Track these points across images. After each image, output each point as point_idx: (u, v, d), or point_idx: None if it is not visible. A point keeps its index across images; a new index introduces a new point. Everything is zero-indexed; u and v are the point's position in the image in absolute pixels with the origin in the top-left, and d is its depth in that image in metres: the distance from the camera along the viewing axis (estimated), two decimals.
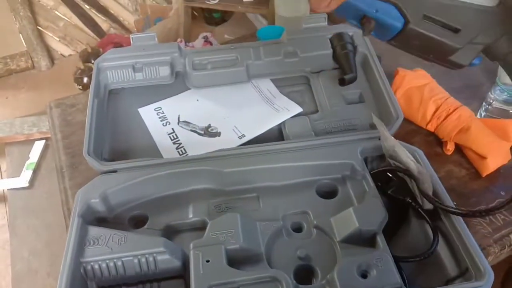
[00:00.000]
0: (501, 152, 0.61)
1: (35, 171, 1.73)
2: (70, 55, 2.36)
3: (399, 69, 0.69)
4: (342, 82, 0.64)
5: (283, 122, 0.64)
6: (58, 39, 2.33)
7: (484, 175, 0.61)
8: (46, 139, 1.83)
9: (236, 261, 0.47)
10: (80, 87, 1.97)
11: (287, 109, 0.65)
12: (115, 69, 0.67)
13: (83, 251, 0.47)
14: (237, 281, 0.44)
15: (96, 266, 0.47)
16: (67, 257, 0.46)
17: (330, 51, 0.68)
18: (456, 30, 0.31)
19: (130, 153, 0.61)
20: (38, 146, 1.79)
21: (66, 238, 0.49)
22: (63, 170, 0.64)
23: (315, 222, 0.51)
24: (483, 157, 0.60)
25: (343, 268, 0.44)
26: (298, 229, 0.52)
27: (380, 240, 0.47)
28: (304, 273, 0.48)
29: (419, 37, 0.32)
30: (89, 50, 2.08)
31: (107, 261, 0.47)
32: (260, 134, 0.63)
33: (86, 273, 0.47)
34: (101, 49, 2.09)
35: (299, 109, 0.65)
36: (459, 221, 0.47)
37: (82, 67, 2.01)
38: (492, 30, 0.33)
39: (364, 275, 0.44)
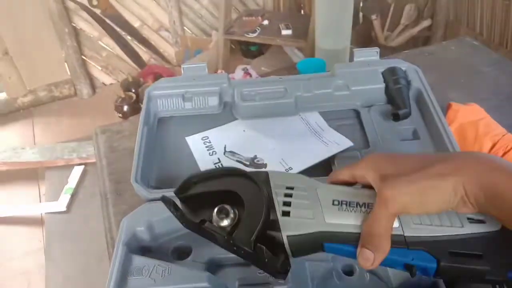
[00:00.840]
0: None
1: (73, 196, 1.76)
2: (111, 84, 2.47)
3: (452, 103, 0.67)
4: (396, 117, 0.62)
5: (333, 157, 0.62)
6: (100, 68, 2.44)
7: None
8: (85, 164, 1.88)
9: None
10: (120, 115, 2.03)
11: (337, 143, 0.63)
12: (165, 97, 0.67)
13: (126, 281, 0.46)
14: None
15: None
16: (110, 286, 0.45)
17: (382, 85, 0.66)
18: (479, 256, 0.35)
19: (176, 182, 0.59)
20: (77, 171, 1.85)
21: (102, 266, 0.47)
22: (107, 196, 0.64)
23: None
24: None
25: None
26: (349, 272, 0.48)
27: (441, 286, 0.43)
28: None
29: (454, 270, 0.35)
30: (130, 79, 2.16)
31: None
32: (308, 167, 0.61)
33: None
34: (141, 79, 2.16)
35: (349, 143, 0.63)
36: None
37: (122, 95, 2.07)
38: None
39: None
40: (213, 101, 0.68)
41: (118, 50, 2.41)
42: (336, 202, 0.39)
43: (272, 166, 0.62)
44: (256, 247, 0.37)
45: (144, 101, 0.66)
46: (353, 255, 0.37)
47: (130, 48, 2.42)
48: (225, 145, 0.65)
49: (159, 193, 0.55)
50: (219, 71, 1.35)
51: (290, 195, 0.39)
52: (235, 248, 0.39)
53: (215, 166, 0.63)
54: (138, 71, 2.38)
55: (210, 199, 0.41)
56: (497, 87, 0.80)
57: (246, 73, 1.06)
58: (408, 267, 0.36)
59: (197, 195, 0.42)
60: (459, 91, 0.79)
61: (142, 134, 0.62)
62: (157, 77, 2.06)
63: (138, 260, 0.48)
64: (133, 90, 2.09)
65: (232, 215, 0.40)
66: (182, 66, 0.70)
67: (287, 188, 0.40)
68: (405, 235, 0.36)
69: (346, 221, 0.38)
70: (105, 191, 0.66)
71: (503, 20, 1.43)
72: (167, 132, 0.67)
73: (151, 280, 0.46)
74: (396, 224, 0.36)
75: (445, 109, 0.67)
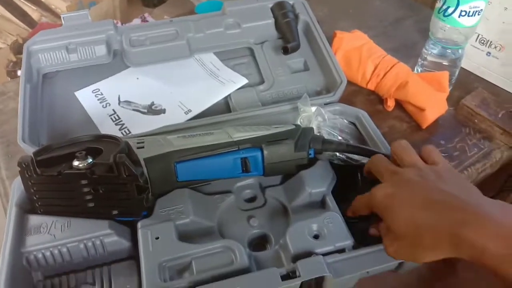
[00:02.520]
0: (438, 103, 0.63)
1: None
2: (0, 48, 2.22)
3: (337, 31, 0.70)
4: (286, 51, 0.64)
5: (230, 95, 0.63)
6: None
7: (424, 127, 0.63)
8: None
9: (188, 236, 0.46)
10: None
11: (233, 82, 0.64)
12: (47, 51, 0.63)
13: (24, 241, 0.44)
14: (189, 254, 0.43)
15: (40, 255, 0.44)
16: (6, 248, 0.43)
17: (272, 20, 0.67)
18: (286, 139, 0.49)
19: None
20: None
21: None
22: None
23: (267, 190, 0.51)
24: (422, 110, 0.62)
25: (294, 231, 0.44)
26: (251, 199, 0.51)
27: (330, 200, 0.48)
28: (259, 242, 0.48)
29: (273, 153, 0.49)
30: (20, 41, 1.96)
31: (51, 249, 0.44)
32: (207, 108, 0.62)
33: (29, 264, 0.44)
34: None
35: (244, 81, 0.64)
36: None
37: (14, 59, 1.89)
38: None
39: (316, 236, 0.44)
40: (101, 50, 0.64)
41: (2, 10, 2.15)
42: (180, 135, 0.49)
43: (171, 110, 0.62)
44: (117, 159, 0.42)
45: (24, 57, 0.61)
46: (205, 173, 0.48)
47: (15, 6, 2.17)
48: (119, 95, 0.63)
49: None
50: (115, 21, 1.26)
51: (142, 140, 0.48)
52: (96, 178, 0.43)
53: (111, 118, 0.61)
54: (28, 31, 2.15)
55: (69, 158, 0.44)
56: (382, 15, 0.85)
57: (144, 21, 1.01)
58: (243, 163, 0.48)
59: (55, 156, 0.45)
60: (348, 21, 0.83)
61: (25, 92, 0.57)
62: None
63: (35, 219, 0.46)
64: None
65: (90, 160, 0.43)
66: (61, 15, 0.65)
67: (139, 139, 0.48)
68: (234, 139, 0.47)
69: (191, 142, 0.47)
70: None
71: None
72: (55, 88, 0.63)
73: (50, 236, 0.45)
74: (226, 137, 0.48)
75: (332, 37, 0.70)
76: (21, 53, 2.00)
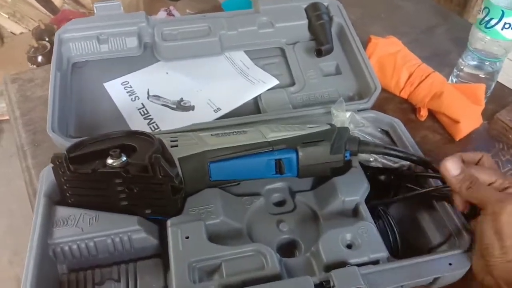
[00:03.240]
0: (473, 116, 0.62)
1: None
2: (21, 33, 2.22)
3: (372, 36, 0.69)
4: (319, 53, 0.63)
5: (259, 96, 0.62)
6: (7, 16, 2.17)
7: (457, 139, 0.62)
8: (0, 122, 1.72)
9: (217, 237, 0.45)
10: (35, 66, 1.86)
11: (263, 82, 0.63)
12: (78, 40, 0.62)
13: (51, 233, 0.44)
14: (219, 256, 0.42)
15: (66, 248, 0.44)
16: (34, 239, 0.43)
17: (305, 21, 0.66)
18: (321, 141, 0.48)
19: (98, 130, 0.58)
20: None
21: (30, 225, 0.45)
22: (24, 148, 0.60)
23: (297, 195, 0.50)
24: (456, 122, 0.61)
25: (327, 239, 0.43)
26: (280, 202, 0.50)
27: (363, 209, 0.47)
28: (288, 247, 0.47)
29: (309, 155, 0.47)
30: (43, 27, 1.96)
31: (78, 242, 0.44)
32: (236, 108, 0.61)
33: (55, 256, 0.44)
34: (55, 26, 1.96)
35: (275, 82, 0.63)
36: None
37: (35, 45, 1.89)
38: None
39: (349, 246, 0.43)
40: (132, 42, 0.64)
41: None
42: (213, 133, 0.48)
43: (200, 107, 0.61)
44: (152, 159, 0.41)
45: (55, 46, 0.61)
46: (238, 174, 0.47)
47: None
48: (148, 89, 0.63)
49: None
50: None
51: (176, 137, 0.47)
52: (130, 177, 0.42)
53: (140, 112, 0.60)
54: (50, 17, 2.16)
55: (103, 155, 0.44)
56: (414, 21, 0.84)
57: (169, 14, 1.00)
58: (277, 165, 0.46)
59: (89, 153, 0.44)
60: (380, 25, 0.81)
61: (55, 81, 0.57)
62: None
63: (63, 211, 0.46)
64: (47, 39, 1.91)
65: (124, 158, 0.43)
66: (94, 5, 0.64)
67: (172, 137, 0.47)
68: (268, 140, 0.46)
69: (225, 141, 0.46)
70: (21, 143, 0.61)
71: None
72: (84, 78, 0.62)
73: (77, 229, 0.44)
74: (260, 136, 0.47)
75: (366, 43, 0.69)
76: (42, 39, 2.00)
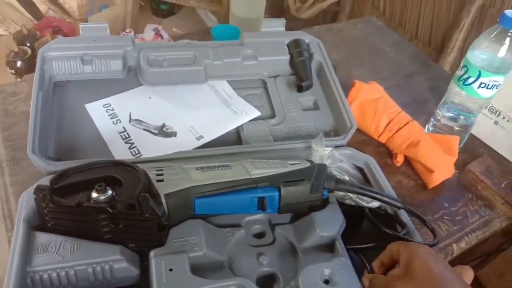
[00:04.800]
0: (446, 166, 0.65)
1: None
2: (1, 35, 2.13)
3: (356, 81, 0.72)
4: (300, 89, 0.66)
5: (241, 126, 0.63)
6: None
7: (430, 187, 0.65)
8: None
9: (199, 269, 0.45)
10: (13, 71, 1.79)
11: (246, 112, 0.65)
12: (61, 60, 0.62)
13: (30, 260, 0.43)
14: None
15: (45, 276, 0.43)
16: (13, 266, 0.42)
17: (287, 56, 0.69)
18: (303, 180, 0.50)
19: (77, 152, 0.57)
20: None
21: (2, 242, 0.44)
22: (2, 165, 0.58)
23: (276, 228, 0.52)
24: (430, 171, 0.64)
25: (307, 274, 0.45)
26: (260, 234, 0.52)
27: (339, 245, 0.49)
28: (267, 280, 0.48)
29: (290, 194, 0.50)
30: (25, 32, 1.89)
31: (58, 271, 0.43)
32: (219, 136, 0.62)
33: (33, 284, 0.43)
34: (38, 32, 1.90)
35: (257, 113, 0.65)
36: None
37: (16, 49, 1.82)
38: None
39: (326, 281, 0.45)
40: (116, 65, 0.64)
41: None
42: (198, 168, 0.49)
43: (182, 134, 0.62)
44: (140, 198, 0.42)
45: (38, 63, 0.60)
46: (221, 209, 0.49)
47: None
48: (130, 113, 0.63)
49: (59, 166, 0.52)
50: (127, 29, 1.24)
51: (161, 170, 0.48)
52: (116, 213, 0.43)
53: (121, 136, 0.60)
54: (34, 22, 2.08)
55: (87, 186, 0.44)
56: (395, 67, 0.89)
57: (157, 34, 1.00)
58: (260, 202, 0.48)
59: (73, 184, 0.45)
60: (363, 68, 0.86)
61: (37, 101, 0.56)
62: (55, 31, 1.82)
63: (43, 237, 0.45)
64: (28, 44, 1.84)
65: (110, 192, 0.43)
66: (80, 25, 0.64)
67: (157, 169, 0.48)
68: (252, 177, 0.48)
69: (209, 176, 0.48)
70: (0, 159, 0.59)
71: (403, 1, 1.57)
72: (65, 97, 0.62)
73: (58, 257, 0.44)
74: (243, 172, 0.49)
75: (350, 84, 0.72)
76: (24, 44, 1.92)
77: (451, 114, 0.68)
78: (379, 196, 0.52)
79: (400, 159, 0.67)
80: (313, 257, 0.48)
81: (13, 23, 2.10)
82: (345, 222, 0.51)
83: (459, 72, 0.65)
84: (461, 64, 0.65)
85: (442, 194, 0.65)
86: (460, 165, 0.68)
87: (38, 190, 0.44)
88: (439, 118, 0.70)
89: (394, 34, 0.99)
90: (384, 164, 0.67)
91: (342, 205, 0.54)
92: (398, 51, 0.93)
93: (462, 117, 0.68)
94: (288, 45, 0.70)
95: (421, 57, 0.93)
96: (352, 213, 0.54)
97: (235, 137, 0.63)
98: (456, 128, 0.69)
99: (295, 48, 0.69)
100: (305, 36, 0.71)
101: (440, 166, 0.64)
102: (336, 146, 0.61)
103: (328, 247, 0.50)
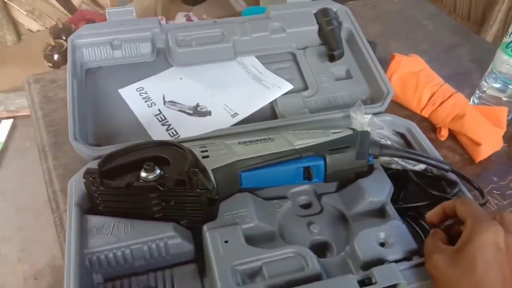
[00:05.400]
0: (494, 139, 0.62)
1: (2, 152, 1.62)
2: (38, 30, 2.18)
3: (396, 54, 0.69)
4: (332, 58, 0.64)
5: (275, 100, 0.63)
6: (25, 13, 2.13)
7: (477, 161, 0.62)
8: (14, 118, 1.72)
9: (252, 240, 0.45)
10: (50, 64, 1.86)
11: (278, 86, 0.64)
12: (91, 46, 0.62)
13: (86, 242, 0.43)
14: (259, 258, 0.42)
15: (102, 257, 0.43)
16: (71, 250, 0.42)
17: (316, 27, 0.68)
18: (348, 147, 0.50)
19: (116, 137, 0.57)
20: (6, 125, 1.70)
21: (40, 221, 0.45)
22: (45, 149, 0.59)
23: (323, 197, 0.51)
24: (477, 144, 0.61)
25: (362, 238, 0.44)
26: (306, 205, 0.51)
27: (390, 209, 0.48)
28: (319, 248, 0.48)
29: (335, 161, 0.49)
30: (60, 26, 1.94)
31: (115, 251, 0.43)
32: (253, 113, 0.62)
33: (91, 265, 0.44)
34: (73, 26, 1.95)
35: (290, 86, 0.64)
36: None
37: (52, 43, 1.87)
38: None
39: (382, 244, 0.45)
40: (145, 48, 0.63)
41: None
42: (241, 142, 0.49)
43: (217, 112, 0.62)
44: (190, 173, 0.42)
45: (69, 51, 0.60)
46: (267, 181, 0.48)
47: None
48: (163, 95, 0.63)
49: (102, 150, 0.52)
50: (158, 17, 1.25)
51: (205, 147, 0.48)
52: (166, 191, 0.43)
53: (157, 118, 0.60)
54: (68, 16, 2.12)
55: (135, 167, 0.44)
56: (435, 40, 0.85)
57: (189, 19, 0.99)
58: (305, 172, 0.48)
59: (121, 166, 0.45)
60: (401, 42, 0.83)
61: (73, 88, 0.56)
62: (89, 23, 1.87)
63: (95, 220, 0.45)
64: (64, 38, 1.90)
65: (158, 171, 0.43)
66: (106, 10, 0.63)
67: (201, 146, 0.48)
68: (296, 147, 0.48)
69: (253, 150, 0.47)
70: (42, 144, 0.61)
71: None
72: (98, 84, 0.62)
73: (113, 237, 0.44)
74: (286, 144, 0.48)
75: (389, 59, 0.70)
76: (59, 37, 1.98)
77: (498, 85, 0.66)
78: (425, 159, 0.51)
79: (444, 133, 0.65)
80: (365, 222, 0.48)
81: (48, 18, 2.15)
82: (393, 186, 0.51)
83: (507, 39, 0.62)
84: (509, 31, 0.62)
85: (490, 168, 0.62)
86: (509, 138, 0.65)
87: (88, 174, 0.44)
88: (485, 89, 0.67)
89: (432, 6, 0.95)
90: (428, 139, 0.62)
91: (387, 170, 0.53)
92: (437, 24, 0.89)
93: (510, 87, 0.65)
94: (315, 15, 0.69)
95: (461, 29, 0.89)
96: (397, 178, 0.53)
97: (270, 112, 0.62)
98: (504, 99, 0.66)
99: (323, 17, 0.68)
100: (332, 5, 0.69)
101: (488, 139, 0.61)
102: (375, 114, 0.60)
103: (378, 213, 0.50)
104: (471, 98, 0.71)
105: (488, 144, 0.62)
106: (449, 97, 0.65)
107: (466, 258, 0.36)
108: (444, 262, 0.38)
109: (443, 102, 0.65)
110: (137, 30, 0.63)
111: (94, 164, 0.48)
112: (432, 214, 0.44)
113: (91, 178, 0.44)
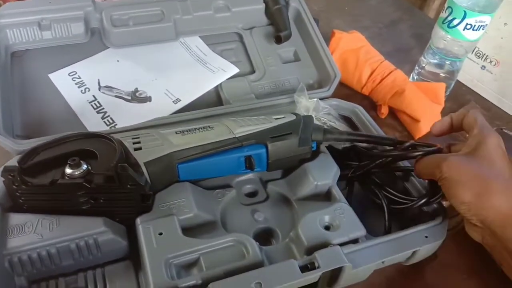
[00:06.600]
0: (432, 115, 0.62)
1: None
2: None
3: (335, 31, 0.68)
4: (279, 40, 0.62)
5: (220, 85, 0.60)
6: None
7: (416, 137, 0.63)
8: None
9: (191, 231, 0.43)
10: None
11: (223, 70, 0.61)
12: (16, 27, 0.56)
13: (5, 242, 0.39)
14: (196, 249, 0.40)
15: (25, 257, 0.39)
16: None
17: (262, 5, 0.65)
18: (290, 134, 0.47)
19: (47, 127, 0.53)
20: None
21: None
22: None
23: (268, 185, 0.49)
24: (416, 120, 0.61)
25: (306, 222, 0.43)
26: (252, 193, 0.49)
27: (336, 192, 0.47)
28: (264, 236, 0.46)
29: (278, 149, 0.46)
30: None
31: (38, 250, 0.39)
32: (197, 98, 0.58)
33: (12, 267, 0.39)
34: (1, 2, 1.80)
35: (236, 70, 0.61)
36: None
37: None
38: None
39: (327, 227, 0.43)
40: (78, 28, 0.59)
41: None
42: (178, 132, 0.45)
43: (158, 98, 0.58)
44: (118, 168, 0.39)
45: None
46: (207, 172, 0.45)
47: None
48: (98, 80, 0.58)
49: (28, 144, 0.47)
50: None
51: (137, 137, 0.44)
52: (94, 188, 0.39)
53: (91, 105, 0.56)
54: None
55: (59, 163, 0.41)
56: (377, 15, 0.84)
57: None
58: (247, 161, 0.45)
59: (44, 161, 0.41)
60: (343, 18, 0.82)
61: None
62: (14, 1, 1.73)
63: (18, 218, 0.41)
64: None
65: (85, 166, 0.40)
66: None
67: (133, 137, 0.44)
68: (236, 136, 0.45)
69: (191, 140, 0.44)
70: None
71: None
72: (26, 68, 0.56)
73: (36, 236, 0.40)
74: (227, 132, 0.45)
75: (329, 36, 0.68)
76: None
77: (436, 61, 0.66)
78: (369, 139, 0.49)
79: (384, 111, 0.65)
80: (311, 206, 0.46)
81: None
82: (339, 169, 0.49)
83: (443, 14, 0.62)
84: (445, 6, 0.62)
85: None
86: (447, 113, 0.63)
87: (6, 172, 0.40)
88: (424, 65, 0.67)
89: None
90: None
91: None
92: None
93: (447, 62, 0.65)
94: None
95: (404, 4, 0.89)
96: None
97: (215, 98, 0.59)
98: (441, 75, 0.66)
99: None
100: None
101: (427, 115, 0.61)
102: (321, 99, 0.58)
103: (325, 196, 0.48)
104: (411, 74, 0.71)
105: (427, 120, 0.62)
106: (388, 74, 0.64)
107: (482, 155, 0.40)
108: (462, 160, 0.41)
109: (383, 79, 0.64)
110: (68, 8, 0.58)
111: (15, 161, 0.44)
112: (439, 124, 0.47)
113: (10, 176, 0.40)
